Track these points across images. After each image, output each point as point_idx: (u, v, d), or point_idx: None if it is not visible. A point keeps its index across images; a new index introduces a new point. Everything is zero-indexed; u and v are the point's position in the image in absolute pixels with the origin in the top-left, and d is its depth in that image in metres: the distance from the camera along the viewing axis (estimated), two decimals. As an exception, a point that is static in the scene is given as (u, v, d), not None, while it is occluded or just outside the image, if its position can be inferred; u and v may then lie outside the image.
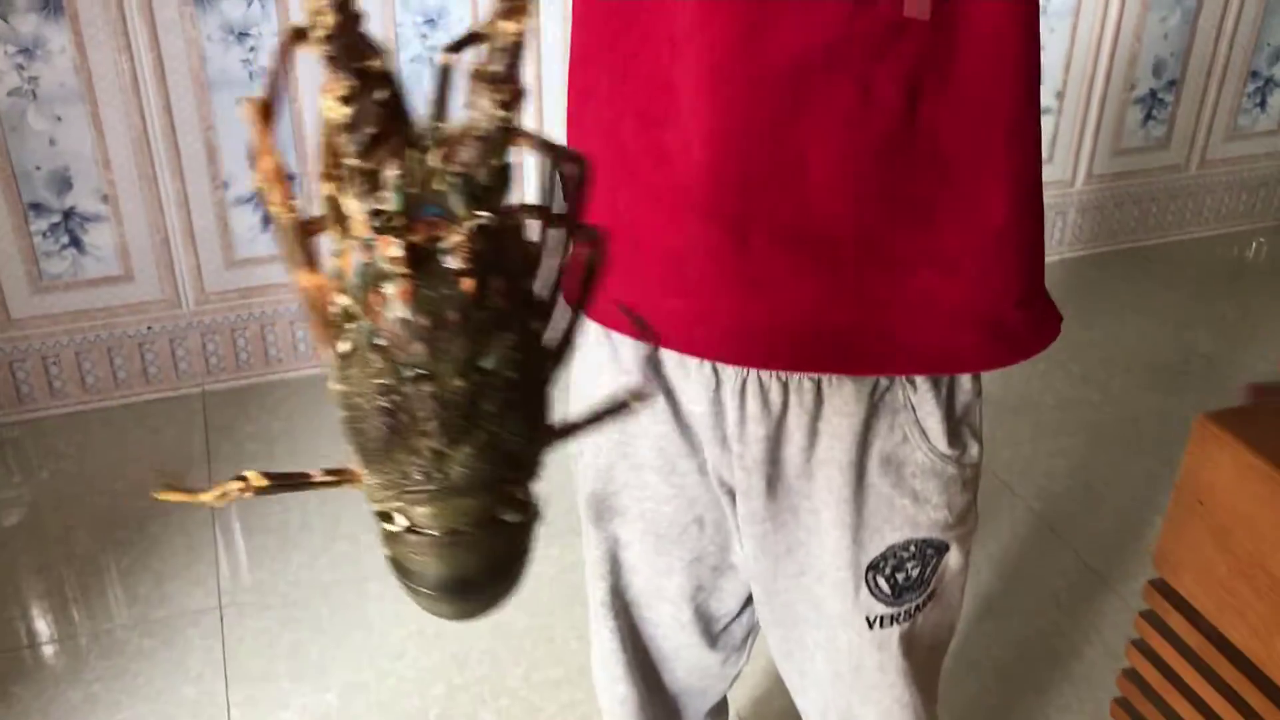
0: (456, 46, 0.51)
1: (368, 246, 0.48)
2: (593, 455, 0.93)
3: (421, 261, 0.47)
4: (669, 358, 0.87)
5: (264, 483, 0.54)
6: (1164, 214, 2.78)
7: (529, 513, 0.54)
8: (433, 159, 0.48)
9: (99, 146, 1.94)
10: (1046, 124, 2.43)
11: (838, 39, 0.72)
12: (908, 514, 0.88)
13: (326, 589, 1.73)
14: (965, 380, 0.86)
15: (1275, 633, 1.00)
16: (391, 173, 0.47)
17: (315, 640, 1.64)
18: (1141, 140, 2.66)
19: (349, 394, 0.51)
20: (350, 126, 0.47)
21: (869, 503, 0.87)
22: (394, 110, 0.48)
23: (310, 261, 0.50)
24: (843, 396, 0.84)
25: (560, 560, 1.65)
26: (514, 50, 0.47)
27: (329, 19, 0.45)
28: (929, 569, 0.91)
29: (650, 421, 0.90)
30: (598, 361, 0.91)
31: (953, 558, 0.91)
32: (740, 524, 0.91)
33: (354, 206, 0.48)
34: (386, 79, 0.47)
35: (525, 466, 0.53)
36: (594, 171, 0.53)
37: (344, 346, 0.51)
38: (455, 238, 0.47)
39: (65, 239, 1.99)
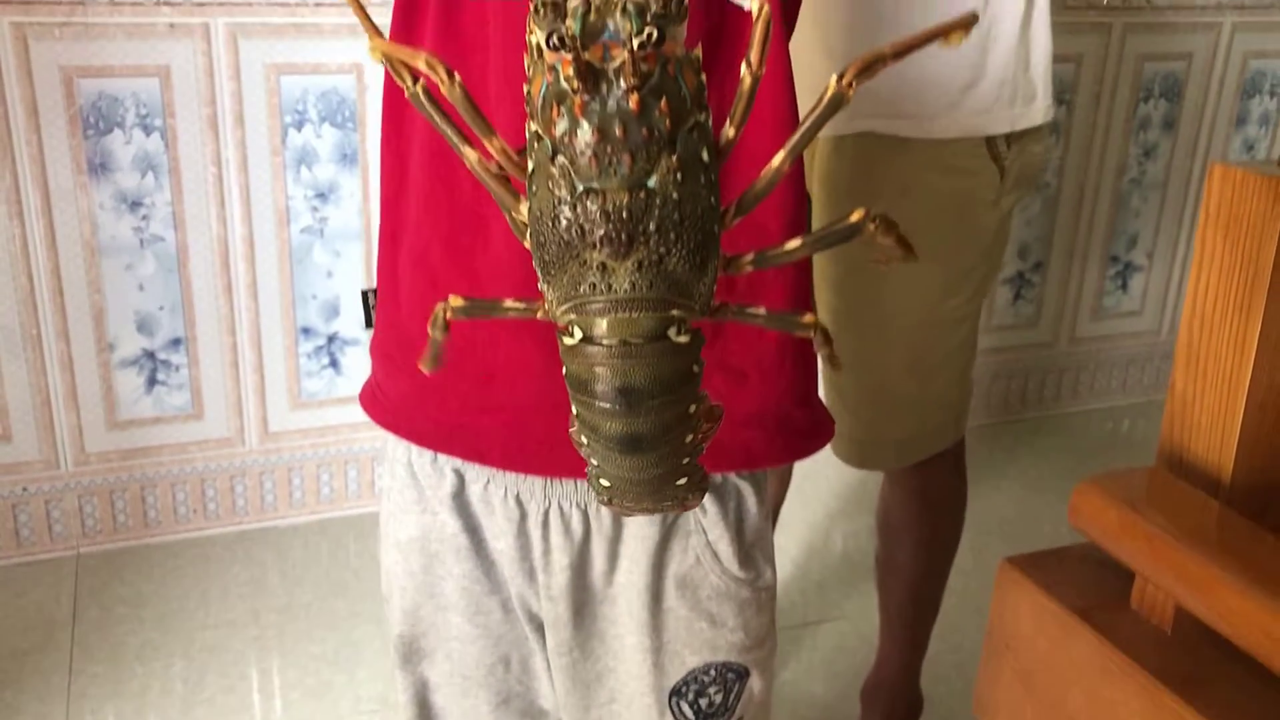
0: None
1: (550, 69, 0.54)
2: (399, 598, 0.95)
3: (593, 80, 0.52)
4: (474, 495, 0.91)
5: (460, 303, 0.60)
6: (1039, 389, 2.90)
7: (695, 337, 0.58)
8: None
9: (-16, 308, 1.97)
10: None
11: None
12: (705, 637, 0.91)
13: (179, 756, 1.69)
14: (752, 505, 0.91)
15: (1075, 774, 1.02)
16: (573, 2, 0.53)
17: (160, 809, 1.59)
18: (1012, 318, 2.80)
19: (533, 211, 0.56)
20: None
21: (668, 626, 0.91)
22: None
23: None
24: (638, 520, 0.88)
25: None
26: None
27: None
28: (731, 695, 0.93)
29: (454, 561, 0.93)
30: (405, 504, 0.94)
31: (755, 683, 0.94)
32: (550, 657, 0.93)
33: (536, 35, 0.54)
34: None
35: (689, 294, 0.57)
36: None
37: (530, 165, 0.56)
38: (622, 56, 0.52)
39: (-56, 399, 1.99)
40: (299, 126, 2.05)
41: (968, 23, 0.54)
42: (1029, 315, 2.81)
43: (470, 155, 0.59)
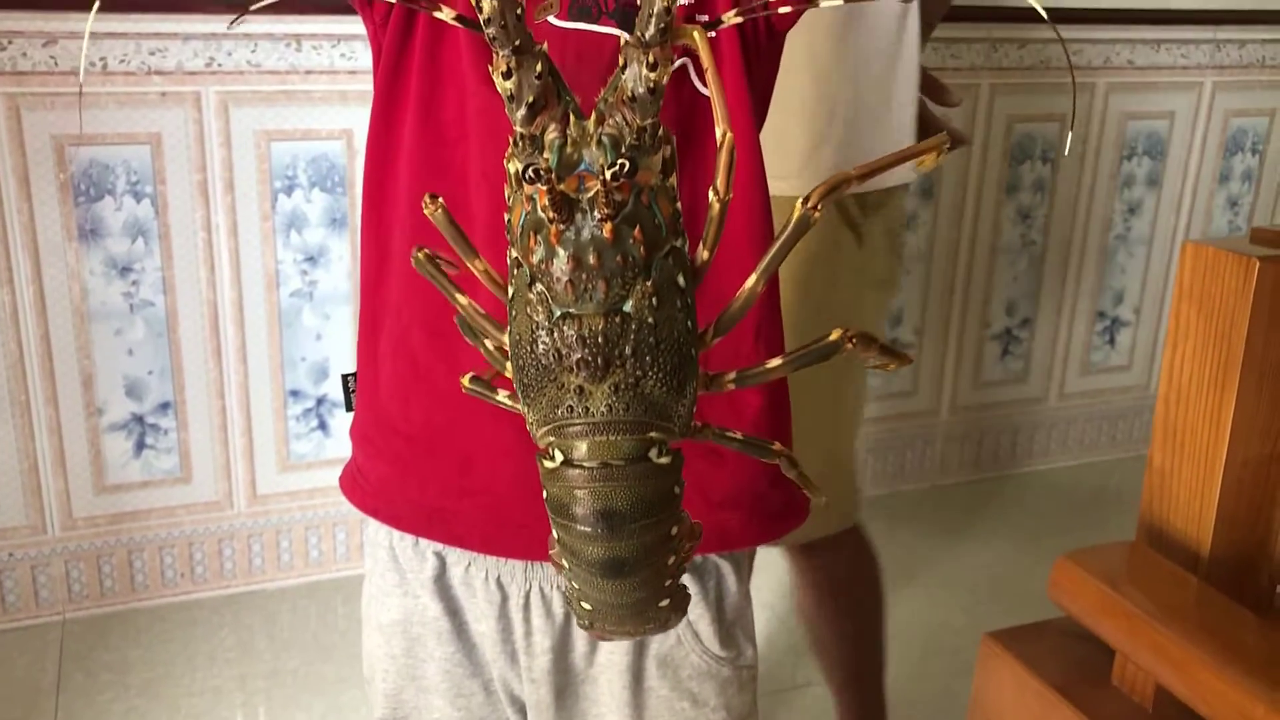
0: (629, 24, 0.57)
1: (529, 199, 0.55)
2: (382, 681, 0.95)
3: (568, 210, 0.53)
4: (455, 578, 0.91)
5: (467, 383, 0.65)
6: (1029, 444, 2.90)
7: (675, 458, 0.58)
8: (591, 124, 0.54)
9: (-27, 374, 1.97)
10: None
11: None
12: (687, 716, 0.91)
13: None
14: (731, 584, 0.92)
15: None
16: (550, 135, 0.54)
17: None
18: (1001, 374, 2.81)
19: (512, 335, 0.57)
20: (513, 97, 0.54)
21: (650, 706, 0.90)
22: (552, 84, 0.54)
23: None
24: (617, 602, 0.88)
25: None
26: (663, 15, 0.52)
27: (490, 3, 0.52)
28: (714, 776, 0.93)
29: (436, 644, 0.93)
30: (386, 587, 0.94)
31: (737, 765, 0.94)
32: (533, 739, 0.93)
33: (514, 165, 0.55)
34: (542, 56, 0.54)
35: (668, 416, 0.57)
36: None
37: (510, 291, 0.57)
38: (596, 187, 0.53)
39: (-69, 464, 1.99)
40: (289, 192, 2.07)
41: (938, 146, 0.55)
42: (1018, 371, 2.82)
43: (462, 301, 0.61)
